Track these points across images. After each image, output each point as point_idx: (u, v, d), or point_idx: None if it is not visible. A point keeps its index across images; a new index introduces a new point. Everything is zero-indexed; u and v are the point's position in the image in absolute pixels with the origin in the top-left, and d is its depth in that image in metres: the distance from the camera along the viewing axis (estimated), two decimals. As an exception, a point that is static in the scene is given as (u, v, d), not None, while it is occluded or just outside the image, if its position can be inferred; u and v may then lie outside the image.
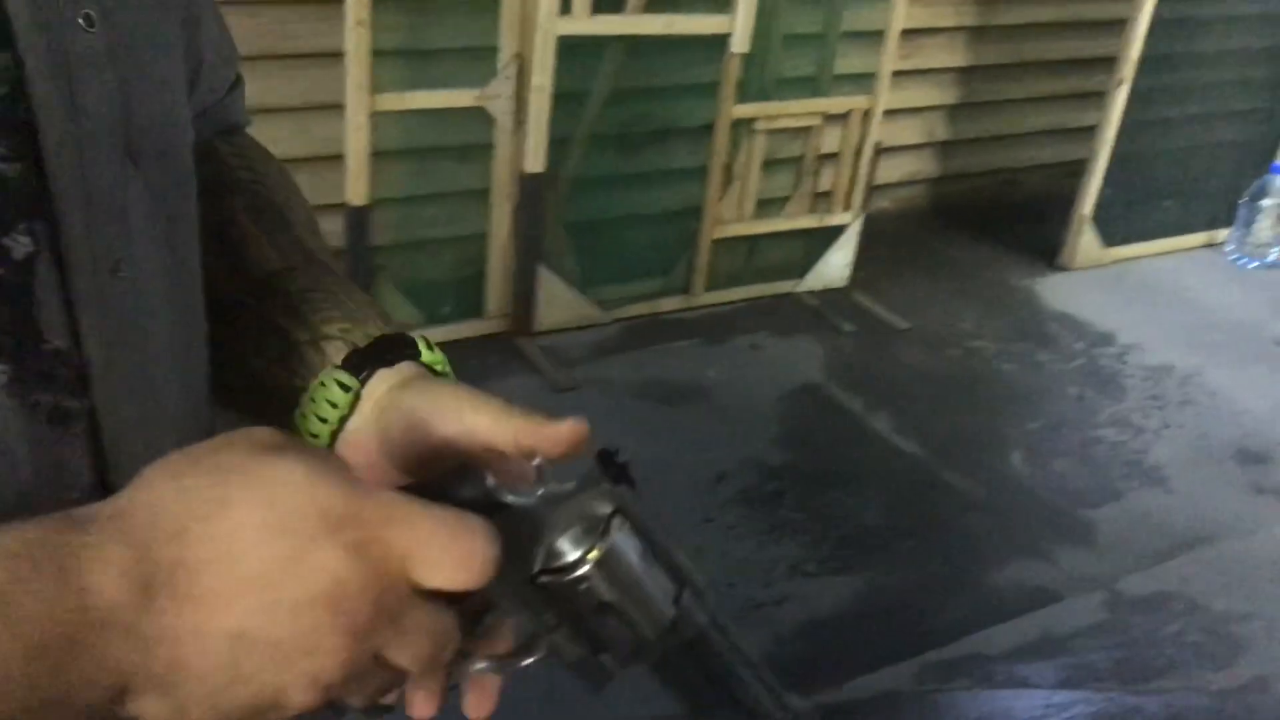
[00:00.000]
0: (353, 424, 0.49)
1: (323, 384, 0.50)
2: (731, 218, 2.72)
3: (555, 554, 0.40)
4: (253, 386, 0.54)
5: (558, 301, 2.51)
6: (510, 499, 0.41)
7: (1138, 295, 3.05)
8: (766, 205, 2.80)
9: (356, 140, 2.16)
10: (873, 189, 2.90)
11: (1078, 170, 3.07)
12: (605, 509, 0.40)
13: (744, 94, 2.56)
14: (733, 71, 2.49)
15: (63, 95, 0.40)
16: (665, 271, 2.69)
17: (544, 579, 0.40)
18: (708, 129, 2.55)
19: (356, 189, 2.21)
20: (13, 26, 0.38)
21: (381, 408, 0.48)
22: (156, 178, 0.46)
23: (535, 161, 2.32)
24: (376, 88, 2.14)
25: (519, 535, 0.39)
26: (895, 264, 3.04)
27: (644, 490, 0.42)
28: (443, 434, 0.45)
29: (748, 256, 2.81)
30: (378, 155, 2.22)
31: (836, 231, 2.84)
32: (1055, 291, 3.02)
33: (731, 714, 0.45)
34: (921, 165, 3.37)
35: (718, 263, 2.73)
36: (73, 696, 0.31)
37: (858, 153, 2.78)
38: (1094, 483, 2.28)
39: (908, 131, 3.25)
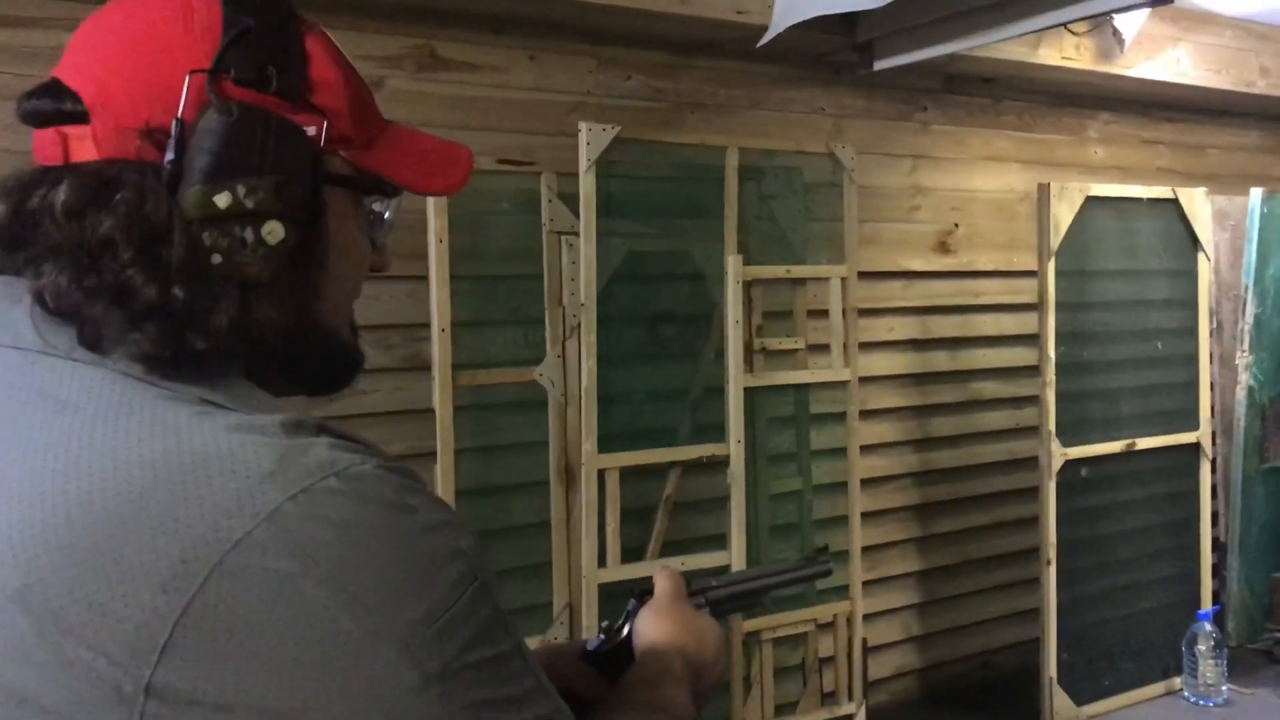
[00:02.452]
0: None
1: None
2: None
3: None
4: None
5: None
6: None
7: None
8: (783, 707, 3.27)
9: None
10: (870, 684, 3.39)
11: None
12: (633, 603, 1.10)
13: (748, 613, 3.13)
14: (736, 595, 3.08)
15: None
16: (707, 775, 3.09)
17: None
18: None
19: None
20: None
21: None
22: None
23: None
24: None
25: None
26: (902, 745, 3.46)
27: None
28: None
29: (774, 754, 3.23)
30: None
31: (846, 721, 3.30)
32: (1046, 749, 3.43)
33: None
34: (906, 659, 3.89)
35: (750, 762, 3.14)
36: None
37: (849, 652, 3.32)
38: None
39: (889, 631, 3.81)
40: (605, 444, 2.81)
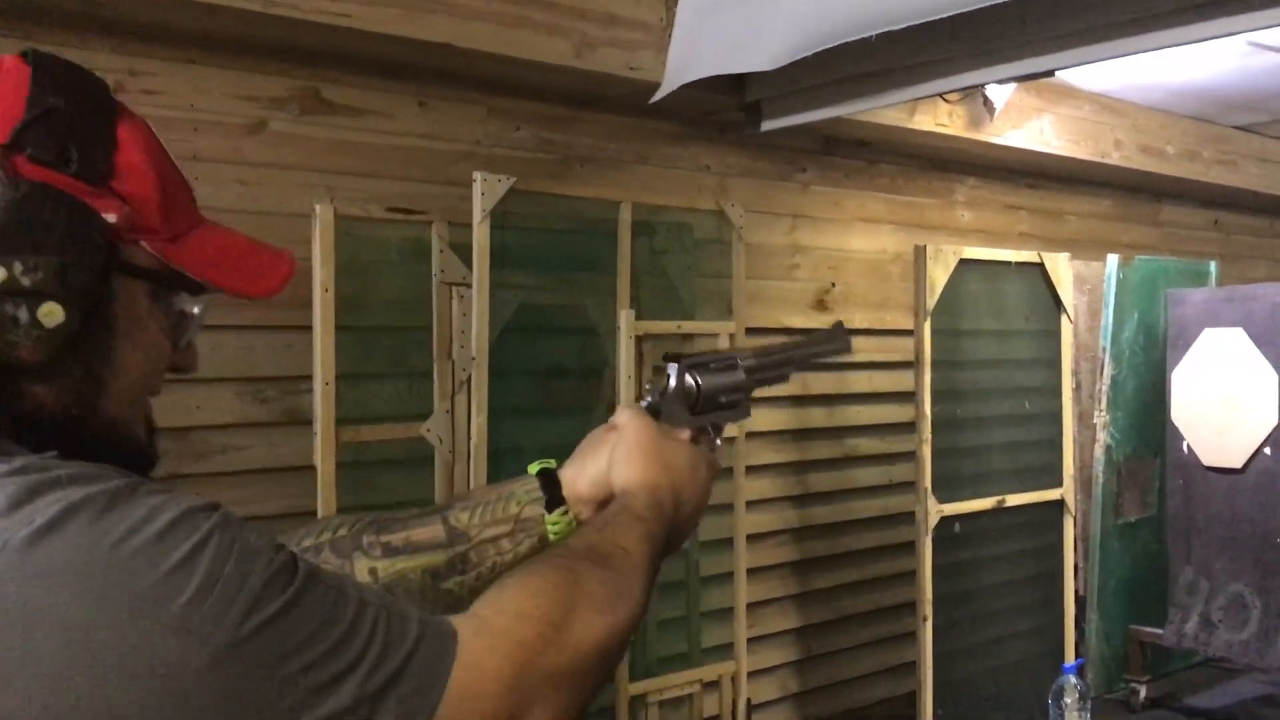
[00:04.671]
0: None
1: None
2: (640, 785, 3.10)
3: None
4: None
5: None
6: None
7: (993, 797, 3.50)
8: (666, 770, 3.21)
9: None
10: (750, 742, 3.36)
11: (913, 700, 3.63)
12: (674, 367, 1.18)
13: (634, 674, 3.07)
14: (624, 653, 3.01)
15: None
16: (591, 844, 2.99)
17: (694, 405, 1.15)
18: (610, 708, 3.02)
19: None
20: None
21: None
22: None
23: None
24: None
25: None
26: (784, 806, 3.43)
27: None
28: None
29: (658, 819, 3.15)
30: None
31: (730, 783, 3.25)
32: (924, 805, 3.44)
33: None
34: (783, 717, 3.87)
35: (635, 829, 3.06)
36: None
37: (734, 712, 3.28)
38: None
39: (768, 689, 3.79)
40: (494, 502, 2.72)
